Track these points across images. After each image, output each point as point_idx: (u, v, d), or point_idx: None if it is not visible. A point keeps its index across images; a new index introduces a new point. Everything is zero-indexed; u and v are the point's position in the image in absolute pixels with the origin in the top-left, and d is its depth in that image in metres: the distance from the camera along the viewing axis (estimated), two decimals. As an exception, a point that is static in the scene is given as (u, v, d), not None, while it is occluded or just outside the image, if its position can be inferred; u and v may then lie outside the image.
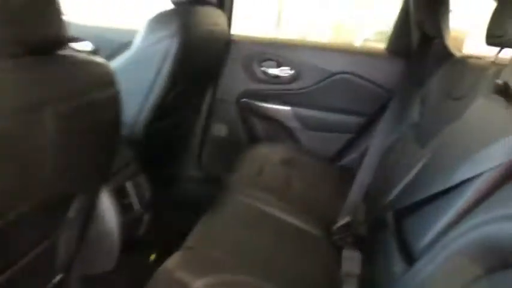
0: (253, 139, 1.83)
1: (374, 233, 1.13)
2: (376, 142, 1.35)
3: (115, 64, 1.24)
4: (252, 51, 1.74)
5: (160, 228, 1.36)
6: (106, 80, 0.76)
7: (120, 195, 1.11)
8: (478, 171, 0.79)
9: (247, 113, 1.80)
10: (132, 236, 1.19)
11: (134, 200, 1.16)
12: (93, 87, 0.72)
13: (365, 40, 3.49)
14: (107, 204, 1.06)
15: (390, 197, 1.17)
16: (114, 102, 0.78)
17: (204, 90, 1.72)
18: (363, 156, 1.72)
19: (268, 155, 1.61)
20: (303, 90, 1.73)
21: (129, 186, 1.16)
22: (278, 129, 1.80)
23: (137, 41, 1.21)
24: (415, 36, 1.55)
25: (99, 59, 0.75)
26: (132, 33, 1.26)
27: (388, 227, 1.05)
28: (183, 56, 1.23)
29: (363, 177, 1.31)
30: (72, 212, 0.81)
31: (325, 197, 1.45)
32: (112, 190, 1.08)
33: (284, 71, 1.72)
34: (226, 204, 1.23)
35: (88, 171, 0.80)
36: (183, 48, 1.22)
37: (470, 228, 0.76)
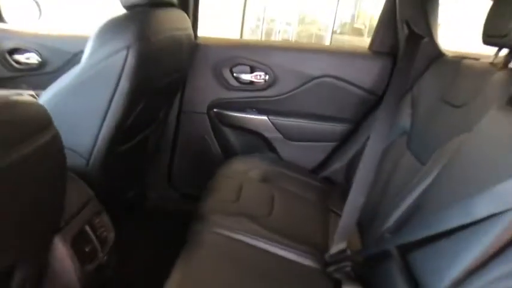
0: (228, 153, 1.66)
1: (375, 264, 0.99)
2: (368, 155, 1.21)
3: (62, 83, 1.03)
4: (222, 55, 1.56)
5: (132, 271, 1.18)
6: (41, 123, 0.57)
7: (79, 242, 0.93)
8: (505, 206, 0.66)
9: (220, 124, 1.62)
10: (98, 286, 1.01)
11: (96, 244, 0.97)
12: (27, 135, 0.53)
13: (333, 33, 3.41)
14: (63, 257, 0.87)
15: (390, 222, 1.03)
16: (54, 146, 0.60)
17: (170, 103, 1.53)
18: (349, 166, 1.59)
19: (245, 171, 1.45)
20: (280, 97, 1.57)
21: (89, 229, 0.97)
22: (255, 140, 1.64)
23: (86, 55, 1.01)
24: (401, 34, 1.42)
25: (27, 99, 0.56)
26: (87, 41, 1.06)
27: (393, 259, 0.91)
28: (142, 69, 1.04)
29: (355, 197, 1.16)
30: (17, 280, 0.63)
31: (312, 218, 1.30)
32: (68, 239, 0.89)
33: (258, 77, 1.55)
34: (205, 240, 1.05)
35: (28, 234, 0.62)
36: (142, 60, 1.03)
37: (503, 276, 0.64)
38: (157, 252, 1.46)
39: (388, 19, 1.48)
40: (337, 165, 1.60)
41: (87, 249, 0.92)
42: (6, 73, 1.65)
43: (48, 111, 1.00)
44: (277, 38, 6.83)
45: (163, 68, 1.20)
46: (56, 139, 0.61)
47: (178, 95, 1.59)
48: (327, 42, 5.87)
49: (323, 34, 6.67)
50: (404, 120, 1.34)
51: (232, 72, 1.56)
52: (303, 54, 1.56)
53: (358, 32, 7.30)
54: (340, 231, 1.13)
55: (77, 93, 1.02)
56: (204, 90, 1.59)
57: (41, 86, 1.19)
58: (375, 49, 1.55)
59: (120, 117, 1.05)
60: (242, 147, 1.66)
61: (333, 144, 1.60)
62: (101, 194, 1.13)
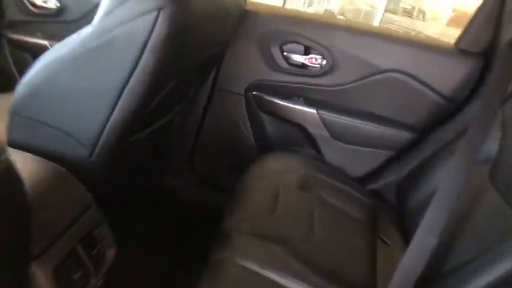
0: (263, 144, 1.41)
1: None
2: (447, 184, 0.94)
3: (65, 48, 0.78)
4: (273, 28, 1.27)
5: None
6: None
7: (65, 269, 0.70)
8: None
9: (258, 110, 1.36)
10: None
11: (89, 267, 0.75)
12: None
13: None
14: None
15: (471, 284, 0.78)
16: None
17: (204, 79, 1.27)
18: (404, 182, 1.32)
19: (283, 172, 1.20)
20: (336, 88, 1.29)
21: (81, 249, 0.75)
22: (296, 134, 1.37)
23: (100, 14, 0.75)
24: (505, 34, 1.10)
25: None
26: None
27: None
28: (176, 39, 0.78)
29: (425, 237, 0.89)
30: None
31: (358, 247, 1.06)
32: (50, 267, 0.66)
33: (313, 60, 1.27)
34: (228, 274, 0.82)
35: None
36: (176, 28, 0.76)
37: None
38: (174, 254, 1.26)
39: (489, 13, 1.16)
40: (390, 178, 1.33)
41: (75, 277, 0.69)
42: (21, 16, 1.40)
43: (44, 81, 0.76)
44: (315, 9, 6.28)
45: (204, 39, 0.93)
46: (10, 165, 0.38)
47: (213, 70, 1.33)
48: (376, 22, 5.35)
49: (372, 11, 6.10)
50: (490, 144, 1.05)
51: (282, 51, 1.28)
52: (373, 40, 1.26)
53: (408, 13, 6.70)
54: (400, 281, 0.89)
55: (83, 63, 0.77)
56: (245, 68, 1.32)
57: (58, 36, 0.96)
58: (462, 47, 1.23)
59: (140, 101, 0.80)
60: (280, 140, 1.40)
61: (388, 152, 1.32)
62: (105, 191, 0.91)
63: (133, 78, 0.76)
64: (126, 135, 0.86)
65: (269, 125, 1.38)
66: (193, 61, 0.93)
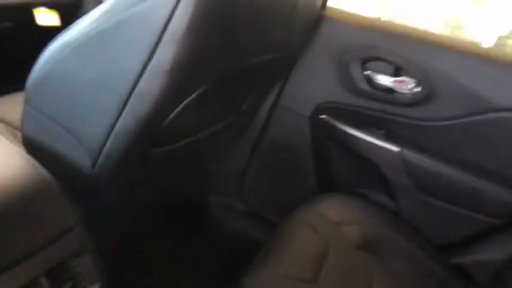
0: (325, 182, 1.15)
1: None
2: None
3: (72, 34, 0.63)
4: (355, 40, 1.02)
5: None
6: None
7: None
8: None
9: (325, 138, 1.11)
10: None
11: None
12: None
13: (499, 38, 2.51)
14: None
15: None
16: None
17: (262, 92, 1.06)
18: (506, 266, 0.97)
19: (341, 223, 0.94)
20: (431, 124, 0.99)
21: (47, 282, 0.57)
22: (369, 176, 1.09)
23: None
24: None
25: None
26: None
27: None
28: (202, 29, 0.58)
29: None
30: None
31: None
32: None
33: (404, 85, 0.99)
34: None
35: None
36: (204, 14, 0.57)
37: None
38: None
39: None
40: (487, 256, 0.98)
41: None
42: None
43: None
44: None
45: (252, 37, 0.72)
46: None
47: (276, 85, 1.11)
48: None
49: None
50: None
51: (364, 69, 1.02)
52: (489, 66, 0.94)
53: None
54: None
55: (90, 50, 0.61)
56: (315, 85, 1.08)
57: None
58: None
59: (155, 105, 0.62)
60: (347, 179, 1.13)
61: (492, 220, 0.97)
62: (112, 210, 0.74)
63: (145, 75, 0.58)
64: (141, 147, 0.68)
65: (336, 158, 1.12)
66: (235, 63, 0.72)
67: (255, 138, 1.19)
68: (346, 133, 1.06)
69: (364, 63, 1.01)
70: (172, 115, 0.63)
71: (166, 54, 0.57)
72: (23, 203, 0.59)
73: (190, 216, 1.27)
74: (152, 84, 0.59)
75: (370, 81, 1.02)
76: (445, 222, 1.02)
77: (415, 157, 0.99)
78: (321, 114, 1.09)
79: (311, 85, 1.08)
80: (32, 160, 0.66)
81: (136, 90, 0.58)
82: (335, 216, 0.96)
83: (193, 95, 0.64)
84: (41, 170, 0.64)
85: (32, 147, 0.75)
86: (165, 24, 0.56)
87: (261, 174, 1.23)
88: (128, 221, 1.04)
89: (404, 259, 0.93)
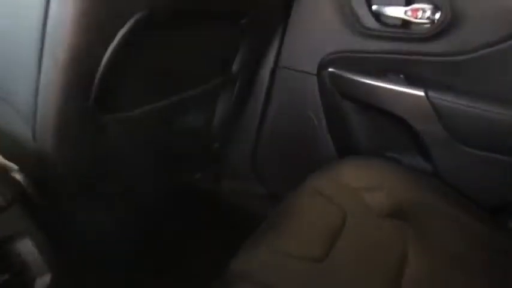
0: (343, 146, 0.99)
1: None
2: None
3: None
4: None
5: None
6: None
7: None
8: None
9: (336, 94, 0.94)
10: None
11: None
12: None
13: None
14: None
15: None
16: None
17: (249, 51, 0.91)
18: None
19: (361, 189, 0.78)
20: (459, 58, 0.79)
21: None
22: (394, 132, 0.92)
23: None
24: None
25: None
26: None
27: None
28: None
29: None
30: None
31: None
32: None
33: (420, 13, 0.81)
34: None
35: None
36: None
37: None
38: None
39: None
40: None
41: None
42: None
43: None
44: None
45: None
46: None
47: (276, 42, 0.97)
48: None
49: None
50: None
51: (369, 3, 0.85)
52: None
53: None
54: None
55: None
56: (316, 35, 0.92)
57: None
58: None
59: (76, 48, 0.50)
60: (368, 139, 0.96)
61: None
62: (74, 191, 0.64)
63: (51, 8, 0.47)
64: (80, 108, 0.56)
65: (352, 116, 0.95)
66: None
67: (260, 110, 1.05)
68: (359, 84, 0.89)
69: (370, -5, 0.84)
70: (104, 60, 0.52)
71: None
72: None
73: (202, 205, 1.16)
74: (62, 12, 0.47)
75: (378, 17, 0.84)
76: (496, 178, 0.82)
77: (445, 100, 0.80)
78: (328, 68, 0.92)
79: (311, 36, 0.93)
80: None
81: (48, 25, 0.47)
82: (355, 181, 0.80)
83: (124, 29, 0.51)
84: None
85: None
86: None
87: (274, 149, 1.09)
88: (130, 214, 0.95)
89: (448, 226, 0.75)
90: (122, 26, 0.51)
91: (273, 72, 1.00)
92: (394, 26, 0.84)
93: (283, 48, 0.97)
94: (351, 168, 0.84)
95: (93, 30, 0.49)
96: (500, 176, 0.81)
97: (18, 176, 0.67)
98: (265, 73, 1.00)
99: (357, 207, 0.75)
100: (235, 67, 0.88)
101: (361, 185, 0.79)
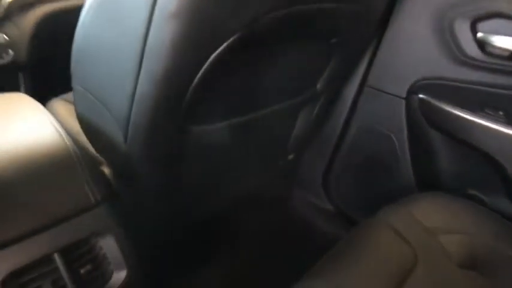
0: (425, 178, 0.93)
1: None
2: None
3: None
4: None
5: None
6: None
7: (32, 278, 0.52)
8: None
9: (424, 123, 0.89)
10: None
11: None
12: None
13: None
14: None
15: None
16: None
17: (336, 69, 0.89)
18: None
19: (438, 230, 0.73)
20: None
21: (61, 259, 0.54)
22: (483, 172, 0.84)
23: None
24: None
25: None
26: None
27: None
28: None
29: None
30: None
31: None
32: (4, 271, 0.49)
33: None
34: None
35: None
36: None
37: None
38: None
39: None
40: None
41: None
42: None
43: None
44: None
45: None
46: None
47: (365, 60, 0.94)
48: None
49: None
50: None
51: (474, 30, 0.78)
52: None
53: None
54: None
55: (102, 11, 0.57)
56: (409, 57, 0.88)
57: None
58: None
59: (171, 63, 0.53)
60: (453, 175, 0.89)
61: None
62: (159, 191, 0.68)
63: (154, 22, 0.50)
64: (169, 117, 0.60)
65: (439, 148, 0.89)
66: (274, 3, 0.57)
67: (340, 128, 1.03)
68: (451, 115, 0.83)
69: (475, 22, 0.77)
70: (197, 78, 0.54)
71: (166, 4, 0.48)
72: (42, 172, 0.56)
73: (270, 212, 1.17)
74: (162, 32, 0.50)
75: (483, 45, 0.78)
76: None
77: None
78: (419, 94, 0.87)
79: (404, 57, 0.88)
80: (62, 133, 0.63)
81: (148, 42, 0.50)
82: (431, 220, 0.75)
83: (221, 48, 0.53)
84: (67, 142, 0.61)
85: (83, 124, 0.73)
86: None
87: (348, 169, 1.06)
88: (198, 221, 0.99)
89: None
90: (218, 47, 0.52)
91: (359, 91, 0.97)
92: (500, 57, 0.76)
93: (373, 67, 0.93)
94: (430, 205, 0.79)
95: (189, 52, 0.52)
96: None
97: (106, 170, 0.74)
98: (350, 91, 0.98)
99: (431, 250, 0.71)
100: (320, 84, 0.86)
101: (438, 225, 0.74)
